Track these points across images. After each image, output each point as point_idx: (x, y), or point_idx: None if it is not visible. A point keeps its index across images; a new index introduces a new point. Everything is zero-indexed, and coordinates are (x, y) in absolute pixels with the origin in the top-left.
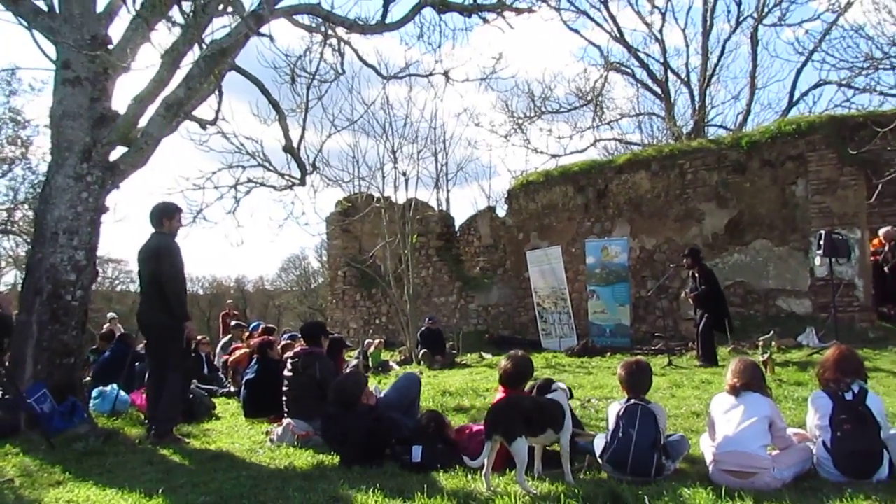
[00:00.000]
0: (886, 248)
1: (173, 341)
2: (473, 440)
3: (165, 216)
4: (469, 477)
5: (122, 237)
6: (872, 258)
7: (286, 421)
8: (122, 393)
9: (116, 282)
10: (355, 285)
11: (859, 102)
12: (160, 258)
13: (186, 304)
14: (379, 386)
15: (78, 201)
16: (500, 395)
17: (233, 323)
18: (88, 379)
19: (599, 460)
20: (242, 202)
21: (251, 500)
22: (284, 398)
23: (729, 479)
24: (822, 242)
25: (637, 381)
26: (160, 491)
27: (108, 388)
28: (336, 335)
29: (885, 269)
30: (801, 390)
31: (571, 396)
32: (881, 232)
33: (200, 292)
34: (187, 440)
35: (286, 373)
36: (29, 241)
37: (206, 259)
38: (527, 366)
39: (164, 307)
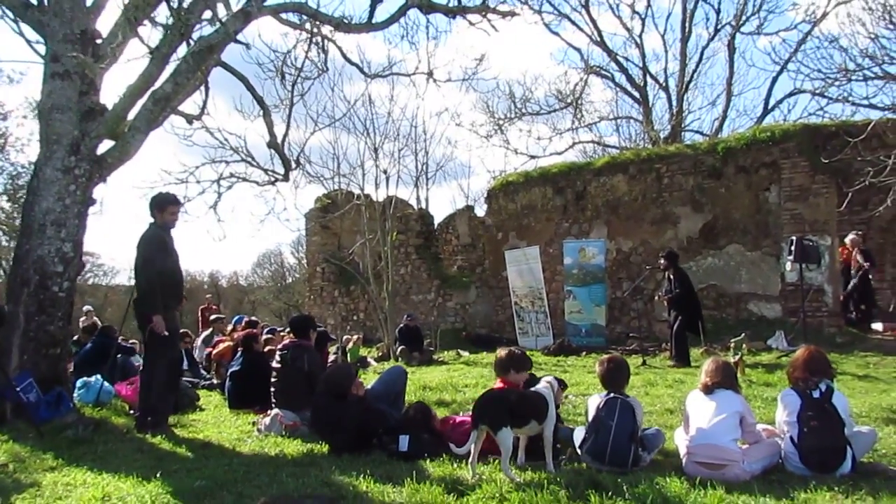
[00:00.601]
0: (855, 253)
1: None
2: (457, 431)
3: (157, 207)
4: (455, 465)
5: (95, 230)
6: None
7: (274, 411)
8: (106, 384)
9: (89, 274)
10: (334, 282)
11: (833, 112)
12: (138, 249)
13: (158, 298)
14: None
15: (66, 194)
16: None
17: (213, 317)
18: (70, 370)
19: (578, 451)
20: (223, 197)
21: (246, 484)
22: (273, 389)
23: (701, 470)
24: (793, 248)
25: (615, 376)
26: (156, 476)
27: (93, 378)
28: (322, 328)
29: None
30: (769, 390)
31: (566, 387)
32: (847, 240)
33: None
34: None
35: (275, 364)
36: (5, 230)
37: (179, 254)
38: (517, 357)
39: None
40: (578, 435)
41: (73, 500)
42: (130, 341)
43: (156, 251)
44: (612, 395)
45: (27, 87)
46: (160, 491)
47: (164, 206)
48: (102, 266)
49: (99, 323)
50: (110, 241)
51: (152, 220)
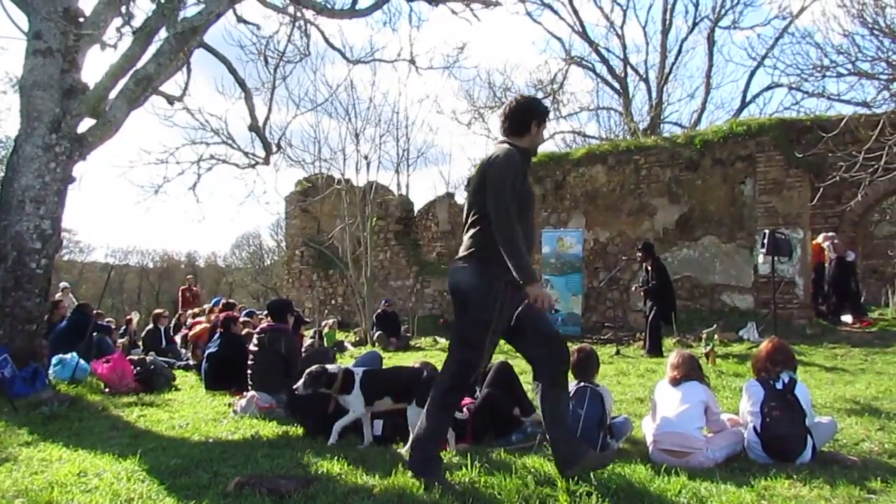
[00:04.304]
0: (827, 249)
1: (482, 313)
2: None
3: (536, 117)
4: None
5: (72, 206)
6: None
7: (250, 393)
8: (82, 361)
9: (64, 251)
10: (312, 265)
11: (809, 106)
12: (487, 179)
13: (525, 258)
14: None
15: (46, 171)
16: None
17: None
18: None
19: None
20: (203, 179)
21: (221, 464)
22: (250, 371)
23: (666, 457)
24: (765, 241)
25: (585, 366)
26: (132, 453)
27: (69, 356)
28: (297, 311)
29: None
30: (738, 381)
31: None
32: (821, 238)
33: (151, 265)
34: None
35: (252, 347)
36: None
37: (157, 233)
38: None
39: (488, 259)
40: None
41: (49, 475)
42: (106, 319)
43: (521, 183)
44: (581, 383)
45: (6, 60)
46: (136, 468)
47: (543, 120)
48: (79, 243)
49: (68, 300)
50: (86, 218)
51: (514, 137)
